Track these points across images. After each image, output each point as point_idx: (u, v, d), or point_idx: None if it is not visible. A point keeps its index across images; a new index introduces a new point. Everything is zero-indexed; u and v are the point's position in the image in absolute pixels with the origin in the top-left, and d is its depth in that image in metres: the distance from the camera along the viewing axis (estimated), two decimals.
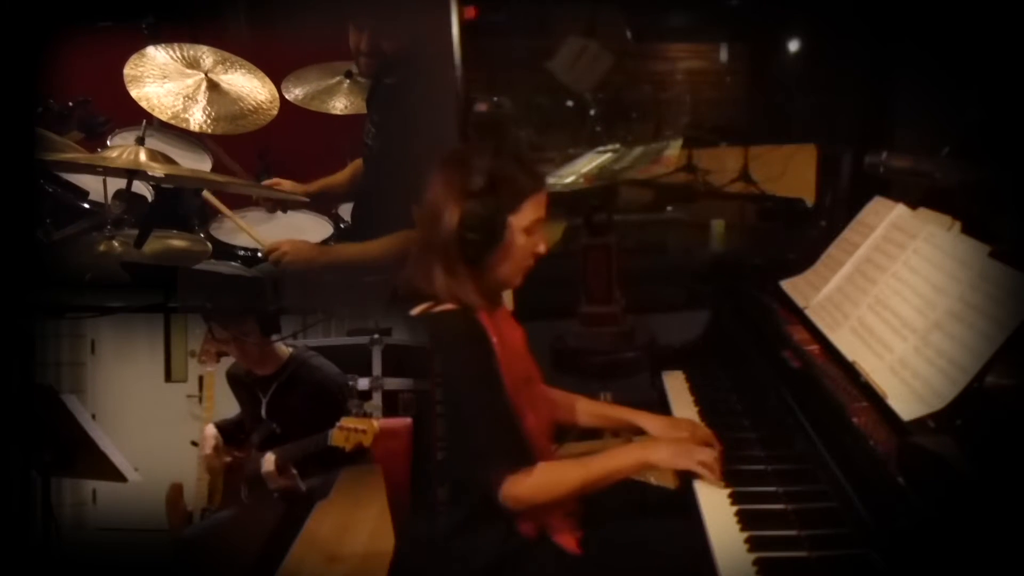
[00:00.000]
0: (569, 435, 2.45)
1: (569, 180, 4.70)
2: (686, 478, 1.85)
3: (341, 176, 2.91)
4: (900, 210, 2.01)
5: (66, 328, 3.68)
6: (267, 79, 2.79)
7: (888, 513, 1.32)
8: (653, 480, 2.05)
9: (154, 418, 3.69)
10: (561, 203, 4.07)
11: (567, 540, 1.81)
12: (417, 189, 1.81)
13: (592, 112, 4.69)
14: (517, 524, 1.76)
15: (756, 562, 1.54)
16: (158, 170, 2.34)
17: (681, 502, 1.83)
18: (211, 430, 2.94)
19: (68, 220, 2.54)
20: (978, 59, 2.31)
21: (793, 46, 4.78)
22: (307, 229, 2.90)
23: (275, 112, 2.76)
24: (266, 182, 2.79)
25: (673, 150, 4.84)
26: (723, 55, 5.02)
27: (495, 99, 4.49)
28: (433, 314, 1.76)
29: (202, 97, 2.65)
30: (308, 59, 3.04)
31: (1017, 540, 1.17)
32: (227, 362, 3.07)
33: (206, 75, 2.69)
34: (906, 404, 1.52)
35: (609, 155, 4.97)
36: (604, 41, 4.45)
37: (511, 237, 1.77)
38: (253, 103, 2.71)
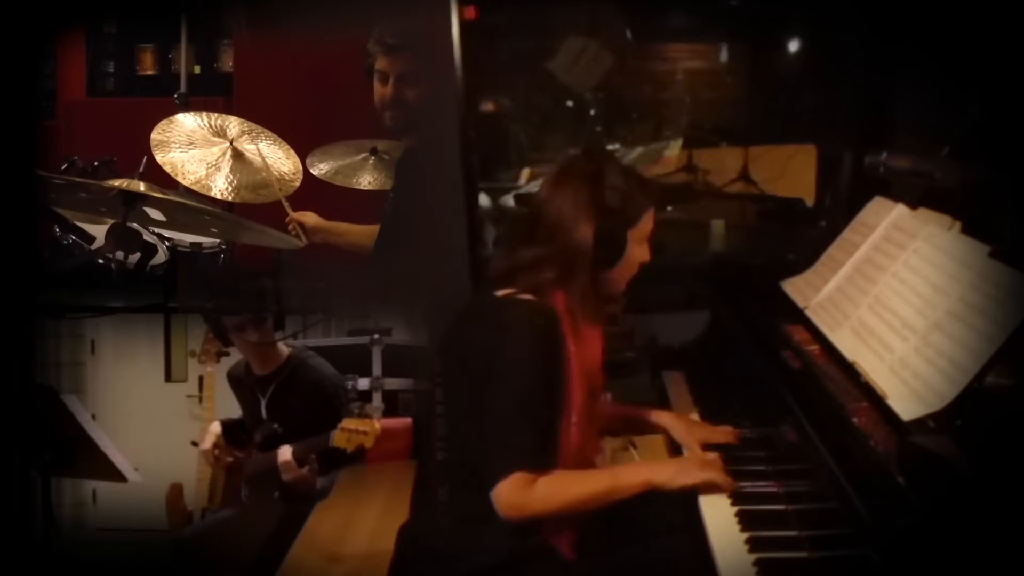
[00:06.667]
0: None
1: None
2: None
3: (365, 228, 2.87)
4: (900, 210, 2.01)
5: (66, 328, 3.68)
6: (292, 151, 2.81)
7: (888, 513, 1.32)
8: None
9: (154, 418, 3.69)
10: None
11: (564, 543, 1.80)
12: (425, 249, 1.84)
13: (592, 112, 4.69)
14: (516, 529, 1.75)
15: (756, 563, 1.54)
16: (156, 192, 2.34)
17: (681, 503, 1.83)
18: (215, 427, 2.95)
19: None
20: (978, 59, 2.31)
21: (793, 46, 4.78)
22: None
23: (297, 184, 2.78)
24: (293, 215, 2.77)
25: (673, 150, 4.83)
26: (723, 55, 5.01)
27: (495, 100, 4.49)
28: (515, 299, 1.78)
29: (226, 165, 2.67)
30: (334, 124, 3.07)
31: (1017, 540, 1.17)
32: (227, 362, 3.07)
33: (231, 144, 2.71)
34: (906, 404, 1.52)
35: None
36: (604, 41, 4.45)
37: (629, 249, 1.84)
38: (276, 174, 2.73)
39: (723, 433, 2.03)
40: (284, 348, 2.92)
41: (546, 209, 1.82)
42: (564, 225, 1.79)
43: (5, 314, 2.22)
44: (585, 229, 1.77)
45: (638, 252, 1.87)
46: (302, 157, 2.83)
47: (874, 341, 1.74)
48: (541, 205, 1.83)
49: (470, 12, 3.24)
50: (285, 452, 2.67)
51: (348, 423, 2.56)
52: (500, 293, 1.80)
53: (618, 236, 1.81)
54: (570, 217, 1.79)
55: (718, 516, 1.70)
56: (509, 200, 3.90)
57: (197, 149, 2.68)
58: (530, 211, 1.87)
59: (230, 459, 2.91)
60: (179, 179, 2.63)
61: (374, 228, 2.78)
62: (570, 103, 4.72)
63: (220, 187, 2.62)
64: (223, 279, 2.82)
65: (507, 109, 4.54)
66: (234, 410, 3.05)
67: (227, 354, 3.06)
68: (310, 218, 2.76)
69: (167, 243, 2.70)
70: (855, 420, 1.56)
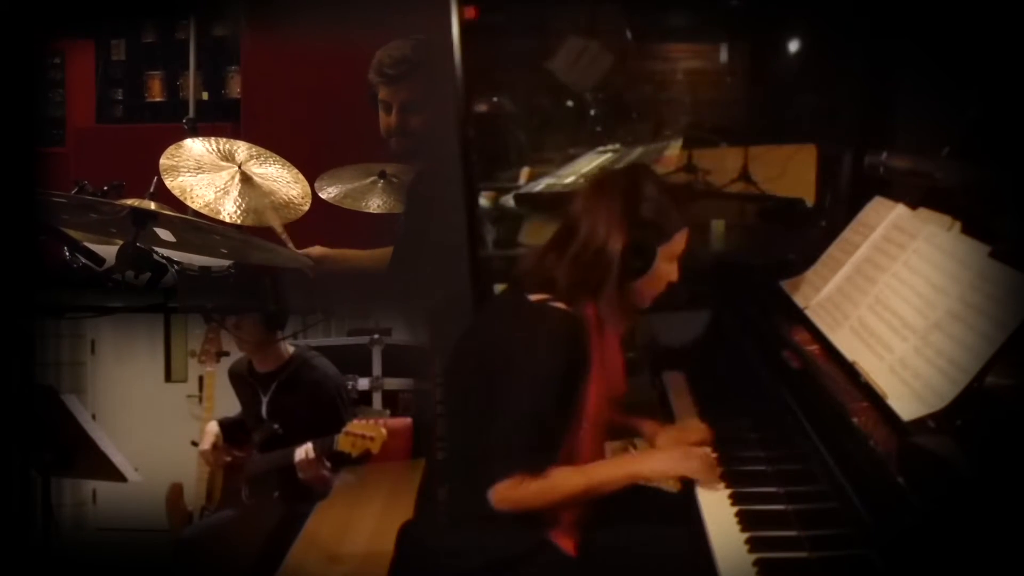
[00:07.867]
0: None
1: (569, 180, 4.69)
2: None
3: (371, 254, 2.87)
4: (900, 210, 2.00)
5: (66, 328, 3.69)
6: (300, 175, 2.81)
7: (888, 513, 1.32)
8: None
9: (154, 418, 3.69)
10: (562, 203, 4.06)
11: (565, 542, 1.81)
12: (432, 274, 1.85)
13: (592, 112, 4.68)
14: (516, 525, 1.76)
15: (756, 563, 1.54)
16: (167, 210, 2.34)
17: (681, 503, 1.83)
18: (213, 427, 2.95)
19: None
20: (978, 59, 2.30)
21: (793, 46, 4.77)
22: None
23: (306, 207, 2.77)
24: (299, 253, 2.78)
25: (673, 150, 4.82)
26: (723, 55, 5.01)
27: (494, 100, 4.49)
28: (547, 306, 1.79)
29: (234, 189, 2.68)
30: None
31: (1017, 540, 1.17)
32: (227, 362, 3.07)
33: (240, 168, 2.72)
34: (906, 404, 1.52)
35: (609, 155, 4.96)
36: (604, 41, 4.45)
37: (657, 265, 1.85)
38: (284, 197, 2.74)
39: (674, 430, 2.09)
40: (287, 347, 2.92)
41: (582, 218, 1.83)
42: (597, 233, 1.80)
43: (5, 314, 2.22)
44: (616, 237, 1.79)
45: (667, 269, 1.88)
46: (310, 181, 2.83)
47: (874, 341, 1.74)
48: (578, 214, 1.85)
49: (470, 12, 3.24)
50: (302, 451, 2.65)
51: (354, 427, 2.54)
52: (534, 298, 1.82)
53: (647, 247, 1.83)
54: (604, 225, 1.80)
55: (718, 516, 1.70)
56: (509, 200, 3.90)
57: (206, 173, 2.69)
58: (566, 219, 1.88)
59: (228, 459, 2.91)
60: (188, 203, 2.64)
61: (380, 252, 2.79)
62: (570, 103, 4.72)
63: (229, 211, 2.63)
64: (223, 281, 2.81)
65: (507, 109, 4.54)
66: (234, 410, 3.05)
67: (227, 354, 3.06)
68: (315, 250, 2.77)
69: (175, 266, 2.70)
70: (855, 420, 1.56)
